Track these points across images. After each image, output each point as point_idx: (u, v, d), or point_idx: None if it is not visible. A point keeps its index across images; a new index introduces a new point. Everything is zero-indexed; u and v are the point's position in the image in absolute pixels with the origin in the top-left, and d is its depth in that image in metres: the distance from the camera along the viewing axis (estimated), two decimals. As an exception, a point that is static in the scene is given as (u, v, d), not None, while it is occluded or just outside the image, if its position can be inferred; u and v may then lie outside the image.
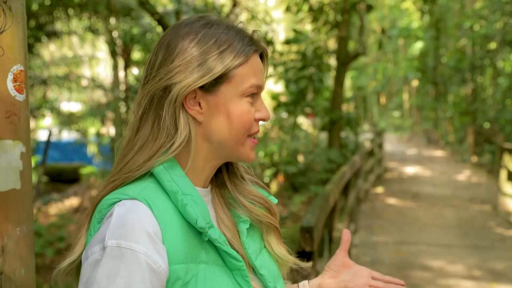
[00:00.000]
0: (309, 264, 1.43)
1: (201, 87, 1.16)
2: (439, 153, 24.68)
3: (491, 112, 22.42)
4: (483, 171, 18.06)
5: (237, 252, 1.22)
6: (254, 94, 1.20)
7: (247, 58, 1.18)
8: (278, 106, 15.48)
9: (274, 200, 1.33)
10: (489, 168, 18.11)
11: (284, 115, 16.40)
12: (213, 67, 1.15)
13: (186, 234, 1.12)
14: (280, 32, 22.34)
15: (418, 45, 30.84)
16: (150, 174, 1.16)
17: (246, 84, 1.18)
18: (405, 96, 41.57)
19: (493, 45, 22.94)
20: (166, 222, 1.10)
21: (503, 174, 12.34)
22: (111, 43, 14.01)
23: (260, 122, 1.25)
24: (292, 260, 1.32)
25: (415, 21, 30.74)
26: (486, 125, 22.23)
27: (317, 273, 4.37)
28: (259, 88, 1.21)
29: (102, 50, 19.85)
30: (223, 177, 1.31)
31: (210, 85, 1.16)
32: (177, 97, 1.14)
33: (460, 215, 10.85)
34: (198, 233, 1.15)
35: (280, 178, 14.19)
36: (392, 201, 12.41)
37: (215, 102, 1.16)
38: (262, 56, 1.24)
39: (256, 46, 1.21)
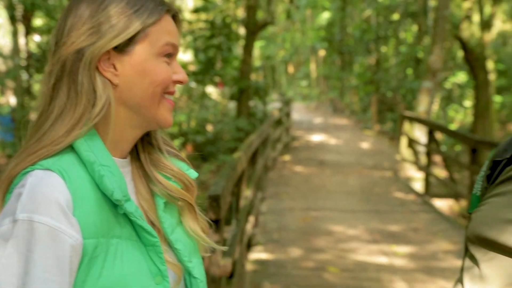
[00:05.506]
0: (224, 248, 1.43)
1: (115, 48, 1.13)
2: (344, 121, 25.35)
3: (393, 82, 23.22)
4: (386, 138, 18.77)
5: (154, 225, 1.20)
6: (170, 55, 1.19)
7: (160, 17, 1.16)
8: (187, 75, 15.37)
9: (194, 174, 1.29)
10: (391, 135, 18.84)
11: (192, 84, 16.33)
12: (126, 26, 1.12)
13: (100, 207, 1.09)
14: (188, 0, 22.06)
15: (325, 15, 31.37)
16: None
17: (160, 42, 1.16)
18: (313, 66, 42.29)
19: (396, 16, 23.64)
20: (79, 194, 1.07)
21: (404, 141, 12.90)
22: (10, 7, 13.37)
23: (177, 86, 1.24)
24: (204, 239, 1.28)
25: (322, -9, 31.17)
26: (389, 94, 23.03)
27: (224, 241, 4.44)
28: (175, 47, 1.19)
29: (0, 15, 18.91)
30: (138, 147, 1.26)
31: (124, 45, 1.13)
32: (92, 60, 1.11)
33: (363, 181, 11.26)
34: (114, 206, 1.11)
35: (189, 147, 14.18)
36: (299, 168, 12.69)
37: (130, 62, 1.14)
38: (175, 19, 1.23)
39: (168, 7, 1.20)
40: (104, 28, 1.12)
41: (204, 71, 15.48)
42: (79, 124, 1.10)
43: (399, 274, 5.89)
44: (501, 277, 1.29)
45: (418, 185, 10.86)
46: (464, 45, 15.96)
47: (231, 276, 4.59)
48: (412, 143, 12.44)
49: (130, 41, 1.14)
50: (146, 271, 1.13)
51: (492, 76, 17.49)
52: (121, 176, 1.13)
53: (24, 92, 13.61)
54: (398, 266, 6.17)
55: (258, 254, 6.49)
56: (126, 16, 1.13)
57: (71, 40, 1.12)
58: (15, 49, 13.75)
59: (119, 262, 1.10)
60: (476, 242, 1.35)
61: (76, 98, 1.11)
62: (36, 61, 14.33)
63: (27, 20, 14.18)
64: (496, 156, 1.45)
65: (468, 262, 1.39)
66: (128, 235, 1.13)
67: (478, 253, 1.35)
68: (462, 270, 1.43)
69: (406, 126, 12.91)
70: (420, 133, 12.39)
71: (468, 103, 22.11)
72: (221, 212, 3.84)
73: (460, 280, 1.42)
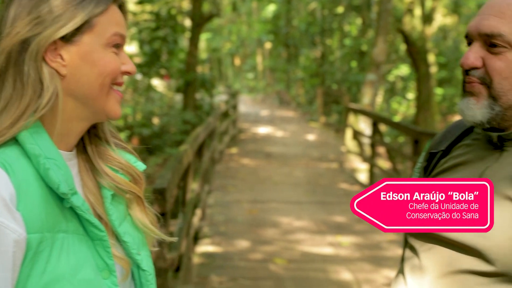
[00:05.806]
0: (173, 239, 1.39)
1: (62, 38, 1.11)
2: (290, 113, 25.52)
3: (338, 74, 23.52)
4: (331, 130, 19.00)
5: (101, 219, 1.18)
6: (118, 45, 1.18)
7: (107, 7, 1.15)
8: (132, 67, 15.21)
9: (142, 167, 1.28)
10: (337, 127, 19.09)
11: (138, 76, 16.15)
12: (73, 16, 1.11)
13: (46, 201, 1.08)
14: (132, -9, 21.77)
15: (271, 8, 31.47)
16: None
17: (109, 33, 1.15)
18: (259, 58, 42.38)
19: (340, 9, 23.91)
20: (23, 188, 1.05)
21: (349, 133, 13.09)
22: None
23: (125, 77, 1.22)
24: (153, 231, 1.27)
25: (268, -17, 31.25)
26: (334, 87, 23.32)
27: (170, 235, 4.43)
28: (122, 38, 1.18)
29: None
30: (84, 140, 1.24)
31: (71, 35, 1.11)
32: (38, 50, 1.09)
33: (309, 173, 11.39)
34: (60, 200, 1.10)
35: (135, 140, 14.04)
36: (245, 161, 12.73)
37: (78, 52, 1.12)
38: (121, 9, 1.22)
39: None
40: (49, 18, 1.10)
41: (150, 63, 15.34)
42: (24, 116, 1.08)
43: (345, 264, 5.99)
44: (439, 267, 1.33)
45: (363, 176, 11.04)
46: (406, 38, 16.28)
47: (177, 269, 4.59)
48: (357, 135, 12.64)
49: (77, 31, 1.12)
50: (93, 265, 1.12)
51: (433, 69, 17.91)
52: (67, 169, 1.11)
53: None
54: (344, 256, 6.28)
55: (205, 247, 6.49)
56: (73, 6, 1.11)
57: (16, 30, 1.09)
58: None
59: (65, 257, 1.08)
60: (414, 234, 1.39)
61: (22, 89, 1.09)
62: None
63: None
64: (432, 148, 1.49)
65: (407, 253, 1.43)
66: (75, 230, 1.12)
67: (416, 244, 1.39)
68: (402, 260, 1.47)
69: (351, 118, 13.11)
70: (364, 125, 12.59)
71: (410, 95, 22.59)
72: (167, 205, 3.83)
73: (400, 271, 1.46)
